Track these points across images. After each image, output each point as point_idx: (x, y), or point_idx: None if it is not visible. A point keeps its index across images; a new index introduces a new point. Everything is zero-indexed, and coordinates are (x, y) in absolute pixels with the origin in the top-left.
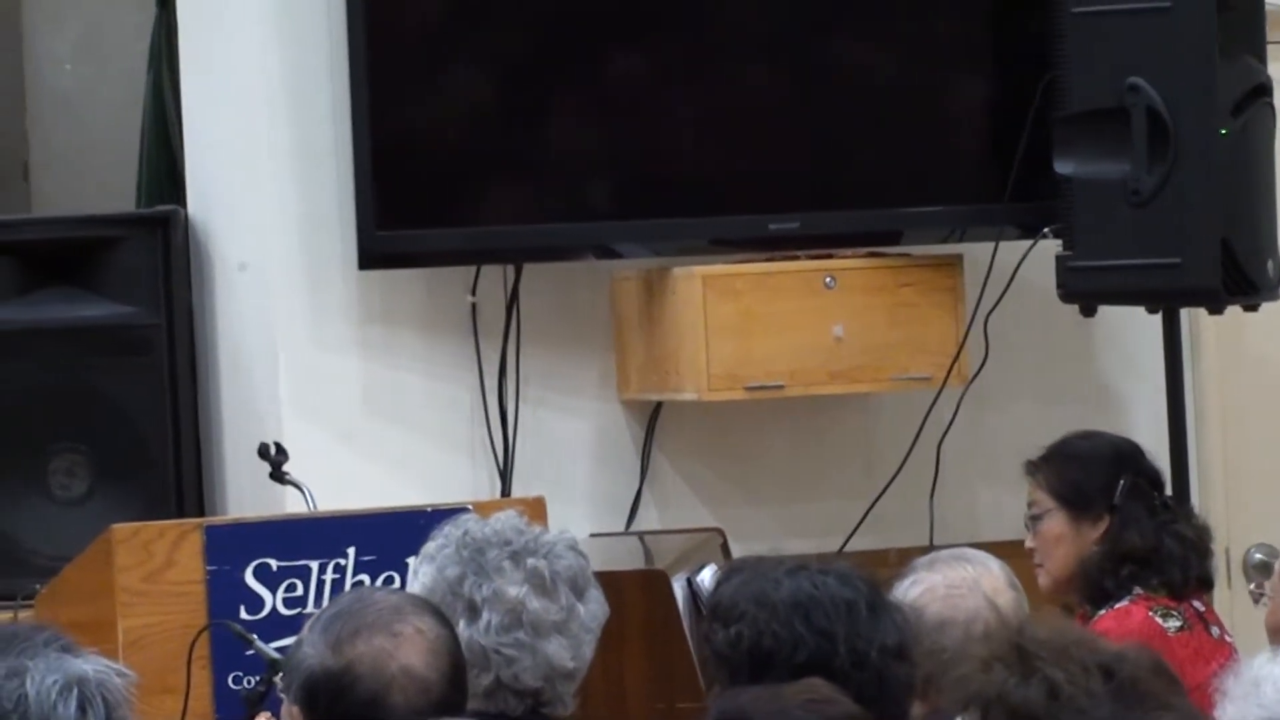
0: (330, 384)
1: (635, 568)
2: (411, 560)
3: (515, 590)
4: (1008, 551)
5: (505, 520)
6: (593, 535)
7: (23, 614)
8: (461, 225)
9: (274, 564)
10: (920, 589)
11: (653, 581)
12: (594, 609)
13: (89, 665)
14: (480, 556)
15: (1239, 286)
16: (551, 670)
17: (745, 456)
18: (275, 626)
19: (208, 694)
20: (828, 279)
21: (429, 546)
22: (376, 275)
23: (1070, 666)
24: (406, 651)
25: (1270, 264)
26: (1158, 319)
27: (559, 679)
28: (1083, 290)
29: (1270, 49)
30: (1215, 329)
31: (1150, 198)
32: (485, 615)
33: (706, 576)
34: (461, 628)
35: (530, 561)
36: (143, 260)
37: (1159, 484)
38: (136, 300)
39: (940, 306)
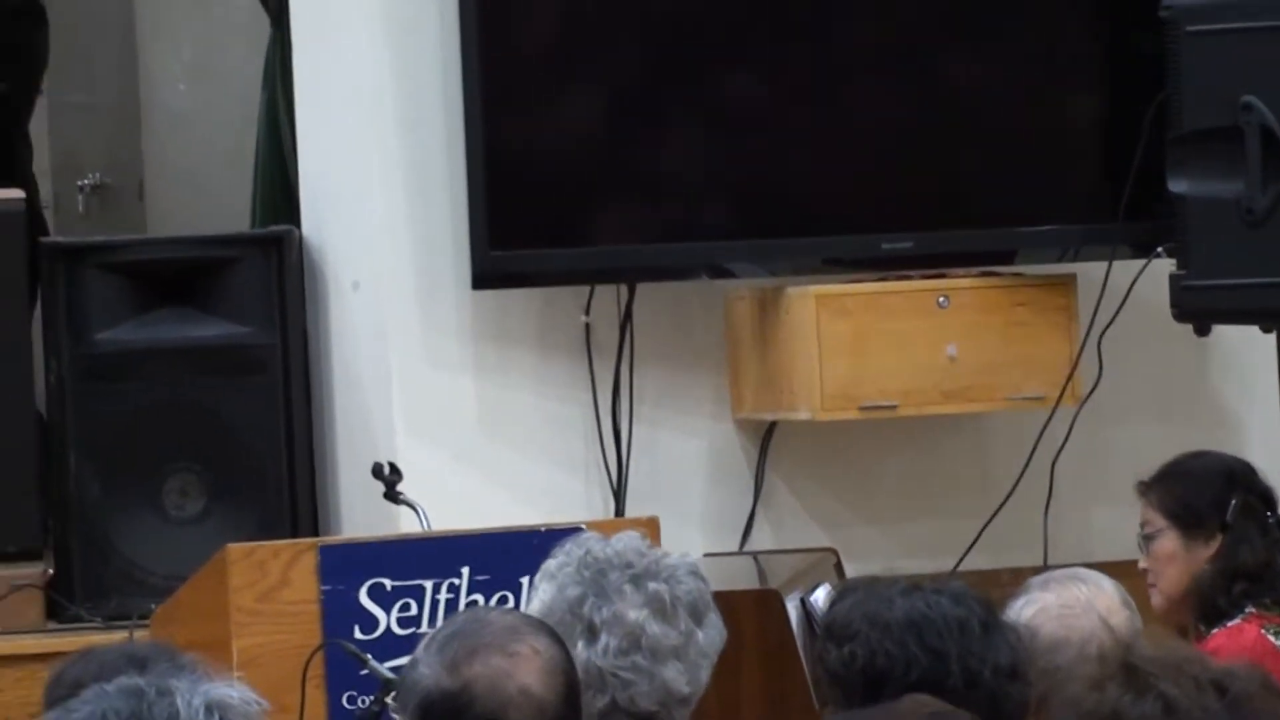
0: (444, 403)
1: (749, 587)
2: (525, 580)
3: (635, 614)
4: (1122, 571)
5: (627, 541)
6: (706, 555)
7: (138, 633)
8: (575, 245)
9: (388, 584)
10: (1034, 609)
11: (767, 601)
12: (712, 635)
13: (231, 691)
14: (602, 578)
15: None
16: (667, 695)
17: (859, 476)
18: (389, 646)
19: (322, 714)
20: (941, 299)
21: (550, 564)
22: (490, 295)
23: (1184, 683)
24: (523, 672)
25: None
26: (1273, 338)
27: (674, 703)
28: (1197, 309)
29: None
30: None
31: (1264, 217)
32: (604, 638)
33: (820, 596)
34: (579, 649)
35: (651, 585)
36: (257, 280)
37: (1272, 503)
38: (251, 320)
39: (1054, 326)
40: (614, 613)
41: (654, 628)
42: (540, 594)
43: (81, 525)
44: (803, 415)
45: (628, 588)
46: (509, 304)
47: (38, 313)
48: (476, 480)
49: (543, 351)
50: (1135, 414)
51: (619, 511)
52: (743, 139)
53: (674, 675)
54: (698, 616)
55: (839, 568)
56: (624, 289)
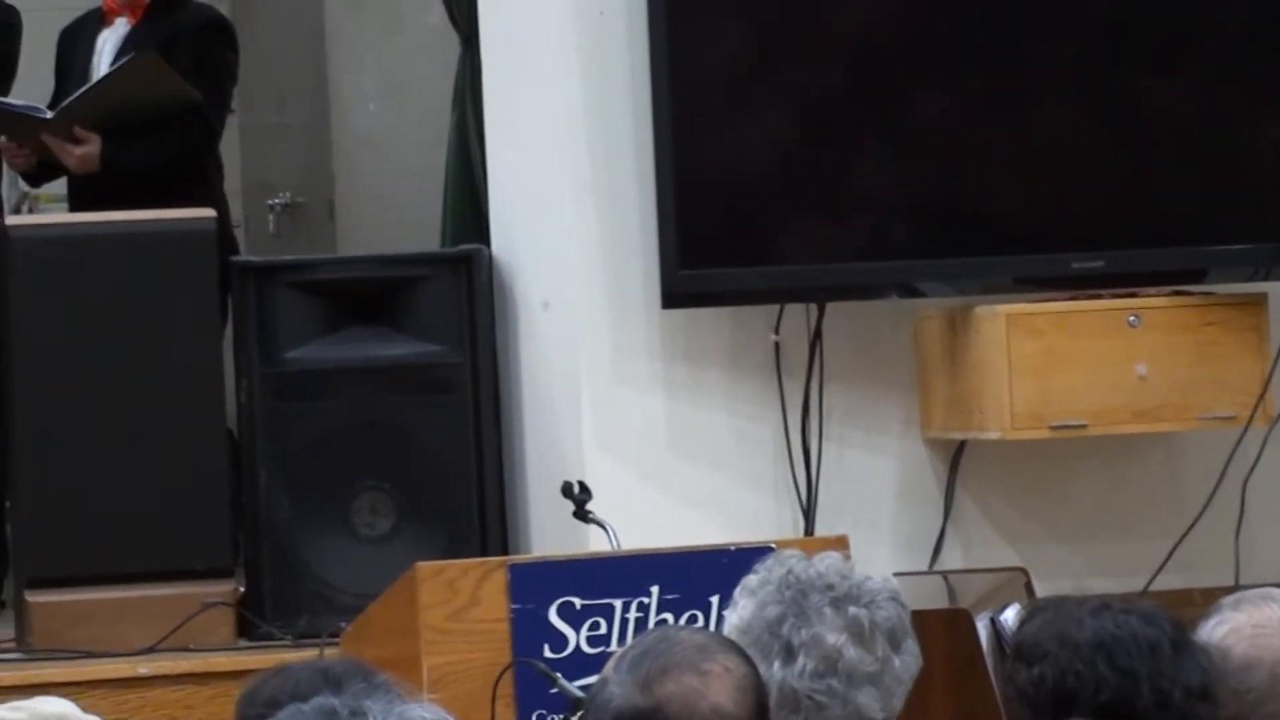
0: (633, 422)
1: (939, 607)
2: (715, 599)
3: (834, 638)
4: None
5: (829, 563)
6: (896, 574)
7: (328, 651)
8: (765, 264)
9: (578, 602)
10: (1225, 629)
11: (956, 621)
12: (909, 661)
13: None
14: (802, 599)
15: None
16: (859, 719)
17: (1049, 495)
18: (579, 665)
19: None
20: (1131, 318)
21: (750, 580)
22: (680, 314)
23: None
24: (715, 690)
25: None
26: None
27: None
28: None
29: None
30: None
31: None
32: (801, 659)
33: (1010, 616)
34: (775, 668)
35: (852, 609)
36: (447, 299)
37: None
38: (441, 339)
39: (1245, 345)
40: (813, 635)
41: (851, 652)
42: (739, 610)
43: (272, 543)
44: (992, 435)
45: (828, 610)
46: (698, 323)
47: (229, 332)
48: (666, 499)
49: (732, 370)
50: None
51: (809, 530)
52: (933, 158)
53: (868, 700)
54: (895, 643)
55: (1029, 587)
56: (814, 308)
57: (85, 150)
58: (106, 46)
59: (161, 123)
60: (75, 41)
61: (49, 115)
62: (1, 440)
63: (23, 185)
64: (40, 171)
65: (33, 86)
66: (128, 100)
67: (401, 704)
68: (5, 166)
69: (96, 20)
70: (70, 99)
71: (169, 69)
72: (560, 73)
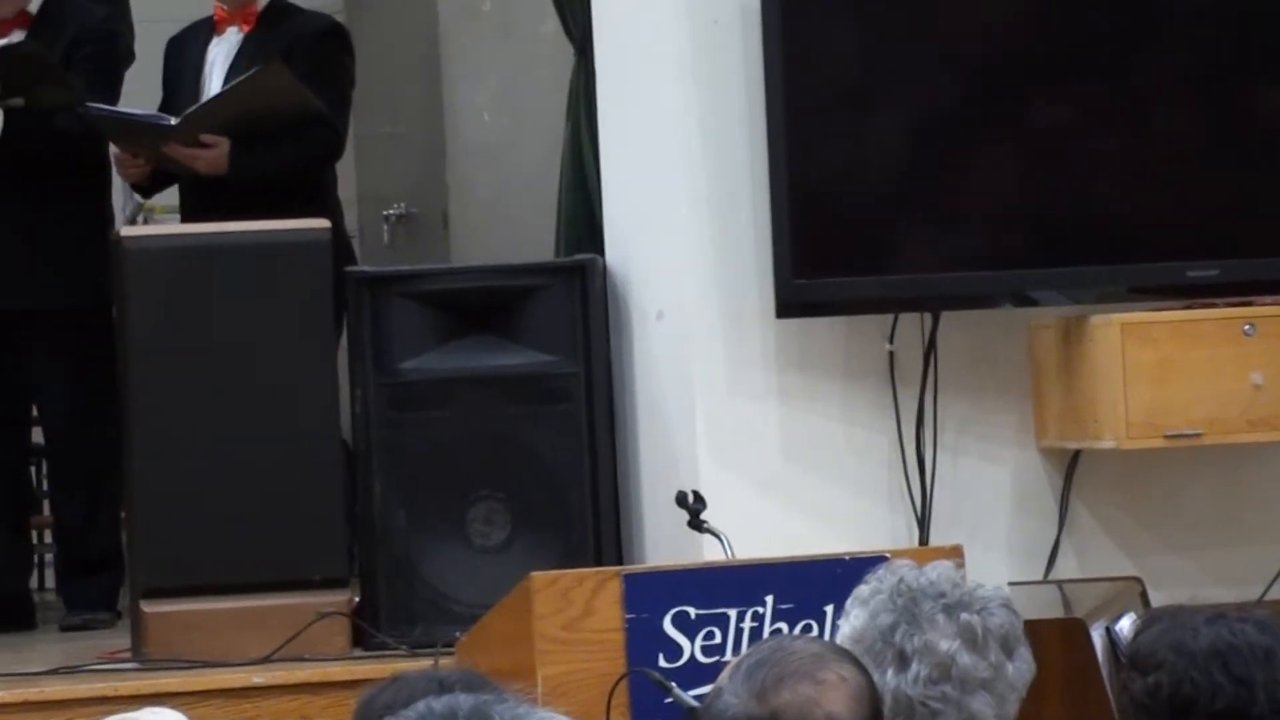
0: (748, 431)
1: (1054, 616)
2: (829, 608)
3: (947, 644)
4: None
5: (940, 571)
6: (1011, 583)
7: (443, 661)
8: (879, 273)
9: (692, 612)
10: None
11: (1071, 630)
12: (1022, 668)
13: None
14: (914, 607)
15: None
16: None
17: (1164, 504)
18: (693, 674)
19: None
20: (1247, 327)
21: (862, 590)
22: (794, 323)
23: None
24: (831, 699)
25: None
26: None
27: None
28: None
29: None
30: None
31: None
32: (915, 666)
33: (1125, 625)
34: (889, 676)
35: (964, 616)
36: (561, 309)
37: None
38: (555, 349)
39: None
40: (925, 642)
41: (965, 658)
42: (852, 619)
43: (387, 553)
44: (1107, 444)
45: (940, 617)
46: (812, 332)
47: (343, 341)
48: (780, 508)
49: (846, 379)
50: None
51: (923, 540)
52: (1047, 166)
53: (982, 707)
54: (1008, 649)
55: (1144, 596)
56: (928, 317)
57: (214, 153)
58: (219, 56)
59: (288, 130)
60: (184, 51)
61: (174, 123)
62: (118, 450)
63: (136, 196)
64: (152, 182)
65: (140, 96)
66: (252, 109)
67: (528, 709)
68: (120, 177)
69: (207, 30)
70: (195, 107)
71: (295, 80)
72: (674, 82)
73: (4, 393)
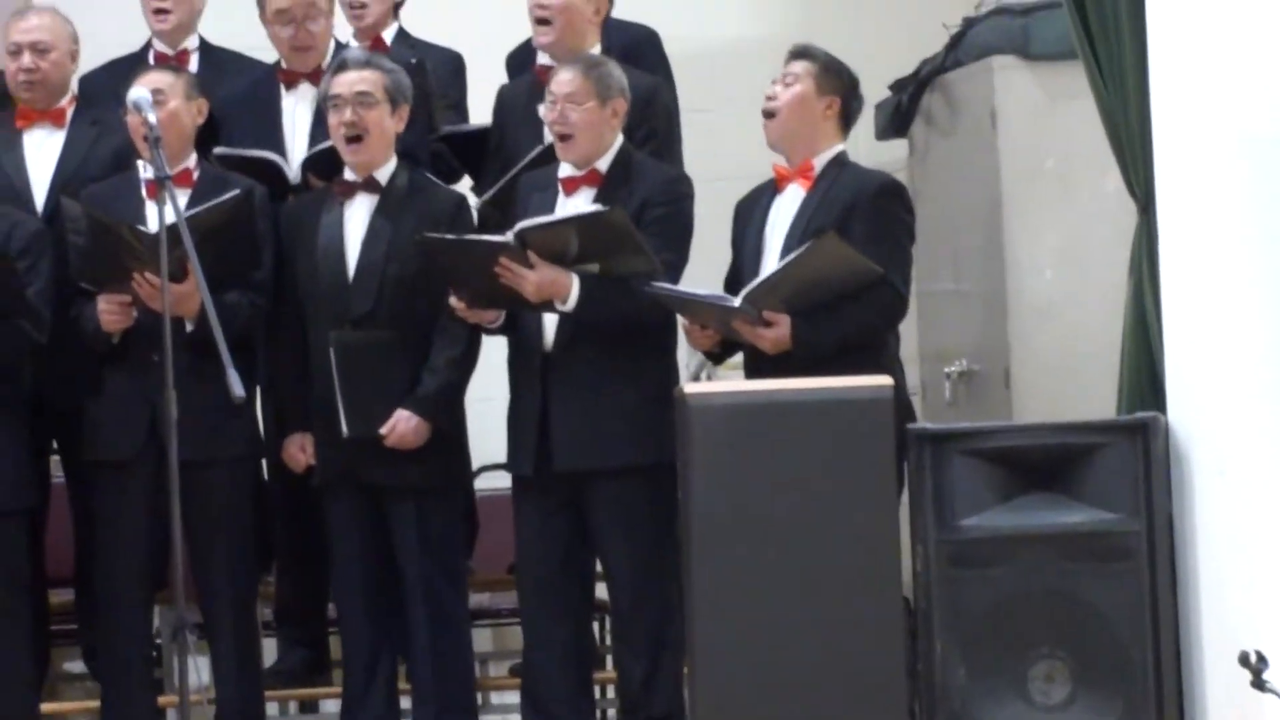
0: None
1: None
2: None
3: None
4: None
5: None
6: None
7: None
8: None
9: None
10: None
11: None
12: None
13: None
14: None
15: None
16: None
17: None
18: None
19: None
20: None
21: None
22: None
23: None
24: None
25: None
26: None
27: None
28: None
29: None
30: None
31: None
32: None
33: None
34: None
35: None
36: (1124, 466)
37: None
38: (1117, 506)
39: None
40: None
41: None
42: None
43: (947, 710)
44: None
45: None
46: None
47: (904, 498)
48: None
49: None
50: None
51: None
52: None
53: None
54: None
55: None
56: None
57: (777, 333)
58: (778, 216)
59: (847, 296)
60: (750, 212)
61: (736, 305)
62: (679, 607)
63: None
64: (723, 348)
65: None
66: (806, 279)
67: None
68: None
69: (771, 189)
70: (754, 284)
71: (850, 248)
72: (1239, 240)
73: (573, 552)
